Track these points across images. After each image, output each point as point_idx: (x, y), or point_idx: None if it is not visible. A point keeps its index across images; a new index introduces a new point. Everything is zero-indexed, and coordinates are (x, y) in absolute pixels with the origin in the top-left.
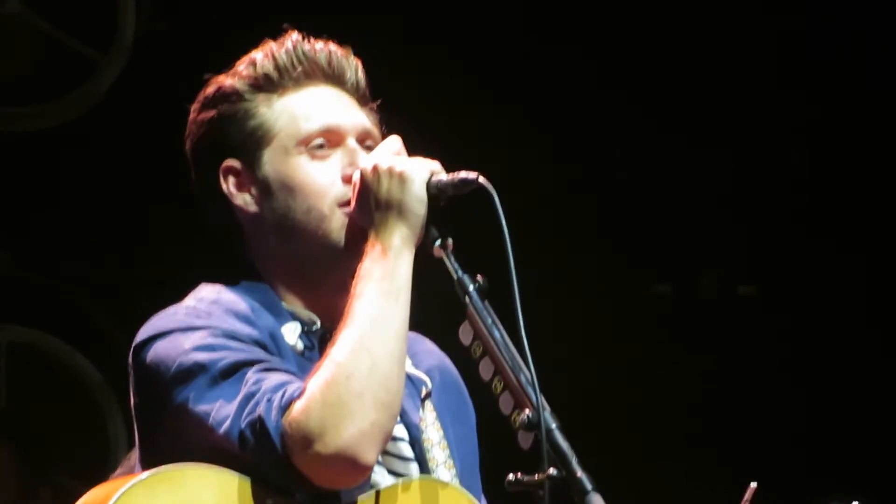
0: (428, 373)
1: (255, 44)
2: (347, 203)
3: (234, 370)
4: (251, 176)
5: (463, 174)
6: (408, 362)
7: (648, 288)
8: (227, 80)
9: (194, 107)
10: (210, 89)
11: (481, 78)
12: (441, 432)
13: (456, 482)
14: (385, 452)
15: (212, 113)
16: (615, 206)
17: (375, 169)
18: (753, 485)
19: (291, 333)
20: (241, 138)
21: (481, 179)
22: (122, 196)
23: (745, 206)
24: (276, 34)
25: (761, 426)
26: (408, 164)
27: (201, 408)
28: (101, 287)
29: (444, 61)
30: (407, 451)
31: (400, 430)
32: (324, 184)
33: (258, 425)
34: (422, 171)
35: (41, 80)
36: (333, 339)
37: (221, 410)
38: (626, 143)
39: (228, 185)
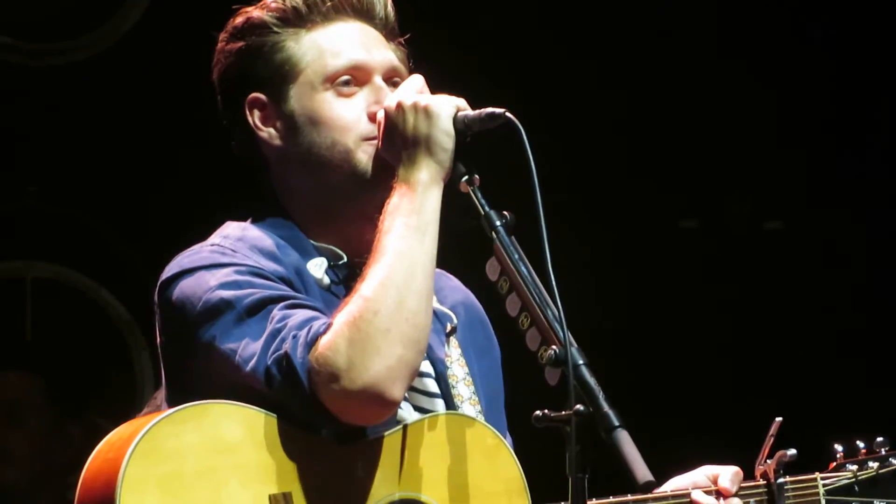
0: (453, 309)
1: None
2: (372, 139)
3: (260, 307)
4: (277, 110)
5: (489, 109)
6: (433, 298)
7: (676, 223)
8: (255, 12)
9: (222, 36)
10: (239, 20)
11: (507, 16)
12: (466, 368)
13: (481, 418)
14: (411, 388)
15: (239, 44)
16: (643, 142)
17: (400, 106)
18: (779, 419)
19: (317, 268)
20: (268, 72)
21: (508, 115)
22: (150, 130)
23: (772, 141)
24: None
25: (788, 360)
26: (433, 99)
27: (227, 346)
28: (127, 223)
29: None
30: (432, 386)
31: (425, 366)
32: (349, 120)
33: (284, 362)
34: (448, 106)
35: (68, 14)
36: (363, 275)
37: (248, 348)
38: (654, 77)
39: (254, 118)
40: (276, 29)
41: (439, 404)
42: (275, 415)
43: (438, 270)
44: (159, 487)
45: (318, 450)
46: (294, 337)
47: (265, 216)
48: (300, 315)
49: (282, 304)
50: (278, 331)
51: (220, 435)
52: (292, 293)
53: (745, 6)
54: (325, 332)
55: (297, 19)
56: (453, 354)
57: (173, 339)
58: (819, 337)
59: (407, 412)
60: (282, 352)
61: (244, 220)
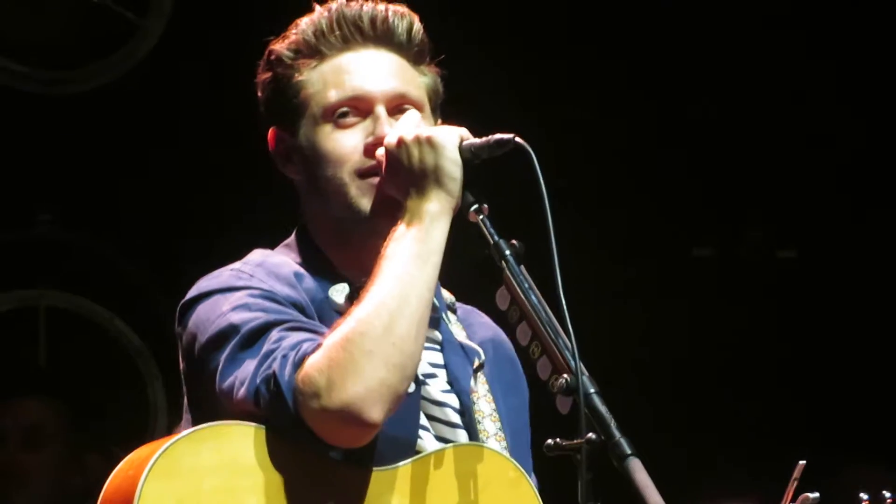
0: (482, 345)
1: (291, 7)
2: (367, 172)
3: (264, 331)
4: (293, 143)
5: (498, 136)
6: (461, 331)
7: (690, 251)
8: (276, 45)
9: (258, 68)
10: (266, 52)
11: (516, 33)
12: (493, 405)
13: (506, 453)
14: (433, 418)
15: (264, 76)
16: (657, 169)
17: (401, 141)
18: (802, 462)
19: (339, 294)
20: (284, 105)
21: (517, 140)
22: (163, 158)
23: (786, 170)
24: None
25: (801, 388)
26: (435, 130)
27: (229, 369)
28: (140, 252)
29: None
30: (455, 417)
31: (450, 398)
32: (343, 153)
33: (272, 381)
34: (452, 136)
35: (82, 43)
36: (358, 298)
37: (244, 370)
38: (668, 104)
39: (277, 150)
40: (290, 62)
41: (462, 435)
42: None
43: (469, 307)
44: None
45: (335, 476)
46: (284, 357)
47: (295, 242)
48: (295, 337)
49: (282, 327)
50: (271, 351)
51: (238, 455)
52: (298, 317)
53: (755, 30)
54: (313, 351)
55: (308, 51)
56: (480, 390)
57: (191, 364)
58: (835, 365)
59: (428, 442)
60: (270, 371)
61: (273, 246)
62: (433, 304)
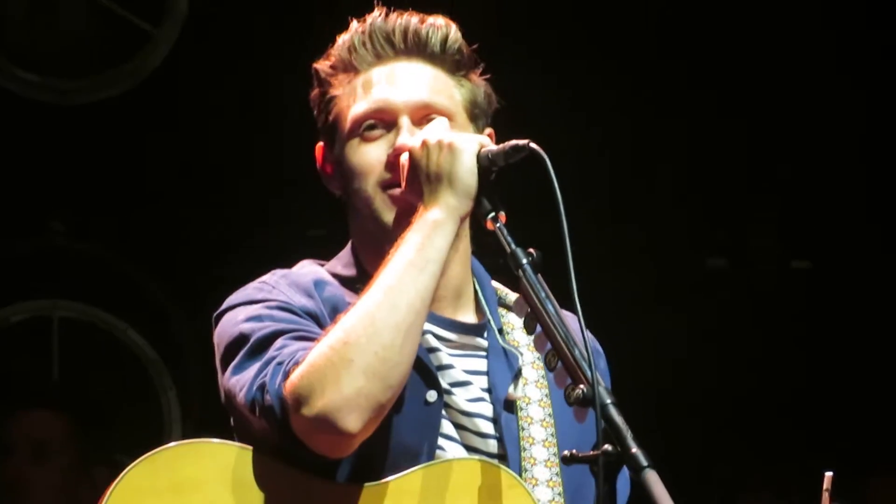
0: None
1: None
2: (389, 185)
3: (272, 339)
4: (332, 157)
5: (513, 142)
6: (525, 335)
7: (704, 262)
8: (318, 63)
9: None
10: (313, 70)
11: (535, 48)
12: (548, 409)
13: (554, 459)
14: (462, 428)
15: (313, 93)
16: (672, 180)
17: (424, 144)
18: (829, 474)
19: None
20: (324, 122)
21: (532, 145)
22: (177, 168)
23: (800, 180)
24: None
25: (816, 399)
26: (456, 136)
27: (235, 377)
28: (154, 261)
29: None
30: (487, 427)
31: (481, 406)
32: (367, 165)
33: (264, 389)
34: (471, 143)
35: (96, 51)
36: (349, 306)
37: (245, 377)
38: (684, 117)
39: (322, 167)
40: (328, 79)
41: (492, 444)
42: (259, 452)
43: (564, 312)
44: None
45: (309, 492)
46: (278, 364)
47: (344, 253)
48: (297, 345)
49: (289, 335)
50: (271, 359)
51: (191, 475)
52: (309, 326)
53: (778, 42)
54: (303, 360)
55: (344, 67)
56: (534, 395)
57: (218, 373)
58: (850, 376)
59: (453, 452)
60: (263, 379)
61: (276, 263)
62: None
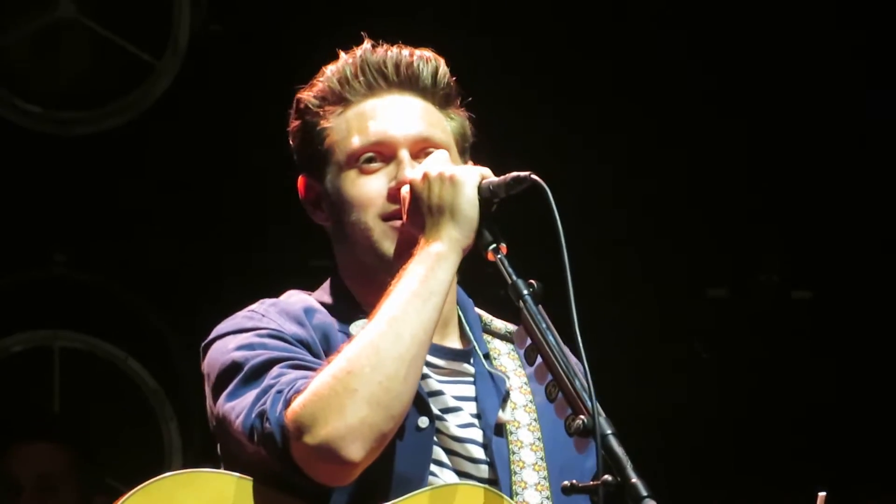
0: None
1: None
2: (391, 216)
3: (266, 367)
4: (321, 189)
5: (514, 173)
6: (513, 361)
7: (705, 292)
8: (303, 93)
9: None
10: (294, 101)
11: (533, 78)
12: (537, 433)
13: (544, 483)
14: (453, 453)
15: (295, 124)
16: (671, 210)
17: (425, 177)
18: (822, 494)
19: (360, 328)
20: (311, 153)
21: (533, 177)
22: (178, 199)
23: (801, 210)
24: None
25: (817, 429)
26: (457, 168)
27: (229, 404)
28: (155, 292)
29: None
30: (478, 452)
31: (472, 432)
32: (367, 198)
33: (264, 417)
34: (472, 175)
35: (97, 83)
36: (353, 336)
37: (241, 404)
38: (682, 145)
39: (307, 198)
40: (316, 110)
41: (484, 470)
42: (258, 482)
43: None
44: None
45: None
46: (278, 392)
47: (328, 285)
48: (294, 374)
49: (284, 364)
50: (269, 387)
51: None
52: (303, 355)
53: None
54: (304, 389)
55: (335, 98)
56: (523, 419)
57: (208, 403)
58: (850, 406)
59: (445, 478)
60: (263, 407)
61: (278, 293)
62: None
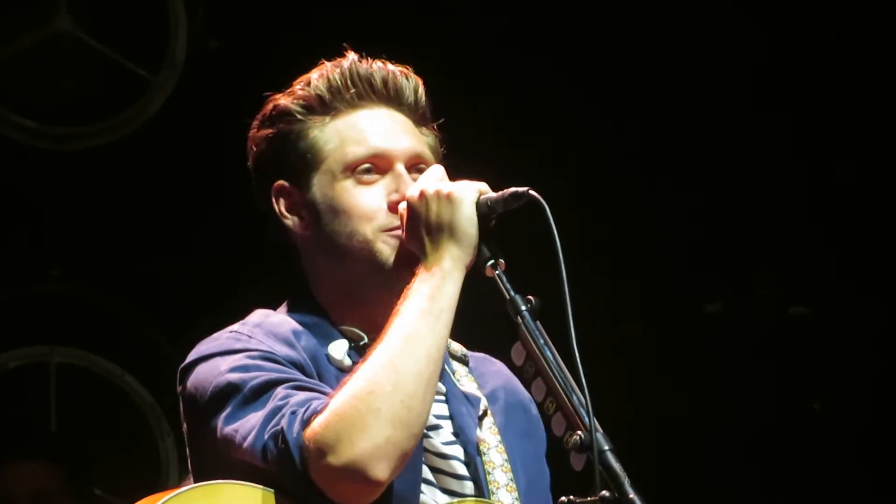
0: (493, 393)
1: (305, 61)
2: (391, 230)
3: (266, 389)
4: (301, 197)
5: (512, 189)
6: (472, 382)
7: (702, 307)
8: (282, 100)
9: (254, 123)
10: (267, 107)
11: (519, 95)
12: (504, 455)
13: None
14: (438, 471)
15: (267, 131)
16: (667, 225)
17: (423, 195)
18: None
19: (339, 349)
20: (293, 160)
21: (532, 192)
22: (175, 214)
23: (798, 226)
24: (328, 50)
25: (812, 446)
26: (455, 185)
27: (231, 426)
28: (151, 307)
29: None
30: (461, 469)
31: (455, 449)
32: (368, 209)
33: (280, 437)
34: (470, 192)
35: (93, 98)
36: (366, 356)
37: (247, 425)
38: (674, 161)
39: (280, 206)
40: (300, 117)
41: (468, 487)
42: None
43: (482, 355)
44: None
45: None
46: (292, 413)
47: (294, 301)
48: (303, 395)
49: (286, 385)
50: (279, 408)
51: None
52: (300, 377)
53: (764, 87)
54: (322, 409)
55: (321, 107)
56: (491, 441)
57: (192, 425)
58: (847, 422)
59: (432, 496)
60: (278, 427)
61: (274, 306)
62: None
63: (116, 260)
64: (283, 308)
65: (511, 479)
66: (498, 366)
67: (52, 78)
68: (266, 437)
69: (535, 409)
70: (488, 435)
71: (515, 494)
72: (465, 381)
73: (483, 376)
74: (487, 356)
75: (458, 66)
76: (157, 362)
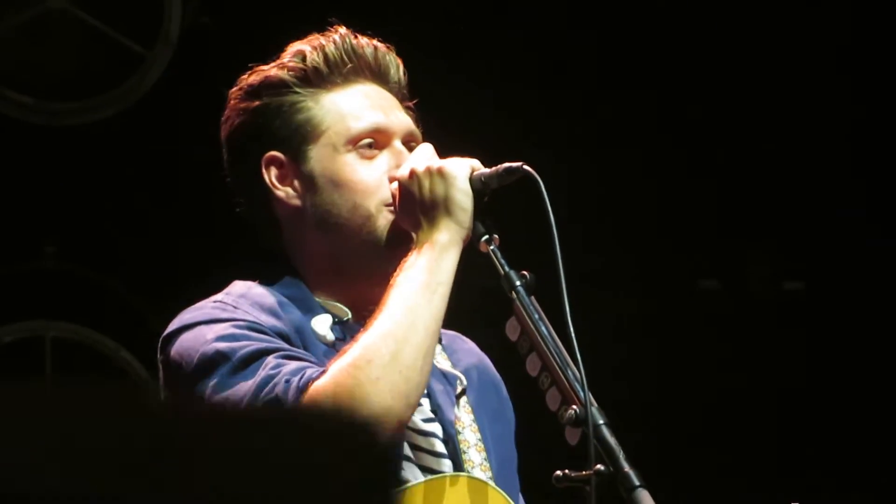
0: (466, 372)
1: (299, 38)
2: (392, 204)
3: (255, 357)
4: (295, 170)
5: (506, 164)
6: (446, 360)
7: (696, 283)
8: (273, 71)
9: (235, 93)
10: (254, 78)
11: (516, 70)
12: (478, 434)
13: (492, 483)
14: (418, 448)
15: (256, 102)
16: (662, 201)
17: (413, 173)
18: None
19: (322, 324)
20: (287, 131)
21: (525, 167)
22: (169, 189)
23: (793, 200)
24: (320, 29)
25: (809, 421)
26: (446, 162)
27: (220, 395)
28: (146, 282)
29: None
30: (440, 447)
31: (434, 427)
32: (371, 183)
33: (275, 405)
34: (463, 167)
35: (87, 74)
36: (365, 326)
37: (238, 393)
38: (669, 137)
39: (270, 177)
40: (296, 88)
41: (447, 465)
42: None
43: (454, 333)
44: None
45: None
46: (287, 381)
47: (274, 274)
48: (295, 364)
49: (277, 354)
50: (271, 377)
51: None
52: (289, 347)
53: (766, 63)
54: (318, 377)
55: (317, 80)
56: (465, 420)
57: (174, 393)
58: (843, 398)
59: (411, 472)
60: (273, 395)
61: (253, 278)
62: None
63: (112, 235)
64: (258, 281)
65: (485, 459)
66: (469, 344)
67: (47, 54)
68: (259, 405)
69: (505, 391)
70: (463, 414)
71: (490, 474)
72: (440, 359)
73: (456, 353)
74: (458, 334)
75: (446, 43)
76: (151, 336)
